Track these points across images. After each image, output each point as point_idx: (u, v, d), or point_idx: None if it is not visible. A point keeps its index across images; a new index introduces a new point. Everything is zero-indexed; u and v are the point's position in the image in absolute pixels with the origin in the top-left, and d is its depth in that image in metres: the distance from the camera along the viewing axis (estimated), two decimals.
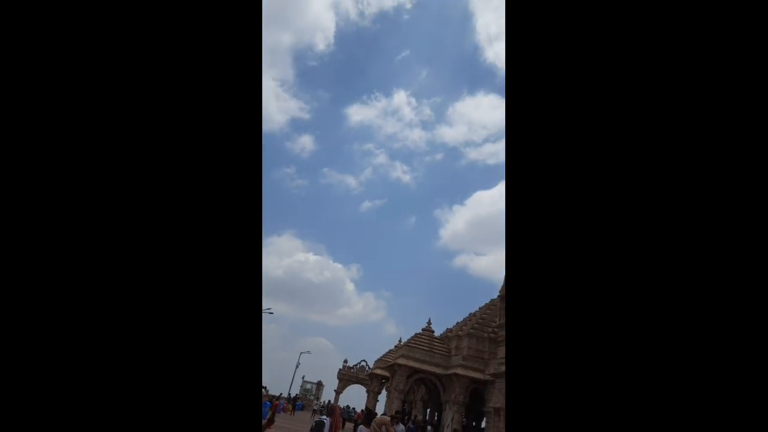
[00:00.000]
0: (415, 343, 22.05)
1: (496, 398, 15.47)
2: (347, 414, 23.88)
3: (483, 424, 21.16)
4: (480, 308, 25.12)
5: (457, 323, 26.83)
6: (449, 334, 25.38)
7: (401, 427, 7.26)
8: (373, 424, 6.44)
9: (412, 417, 17.89)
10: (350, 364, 36.46)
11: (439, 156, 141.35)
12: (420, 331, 23.76)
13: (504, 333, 16.49)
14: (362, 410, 21.30)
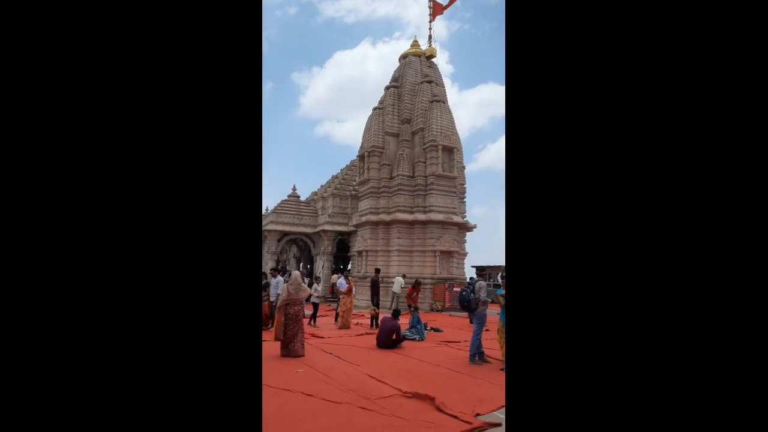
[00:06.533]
0: (282, 209, 24.06)
1: (358, 243, 18.78)
2: None
3: (349, 266, 23.81)
4: (342, 170, 26.61)
5: (322, 186, 28.42)
6: (314, 197, 27.15)
7: (279, 277, 10.33)
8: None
9: (287, 271, 20.21)
10: None
11: (292, 10, 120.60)
12: (285, 197, 25.31)
13: (362, 189, 18.91)
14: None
